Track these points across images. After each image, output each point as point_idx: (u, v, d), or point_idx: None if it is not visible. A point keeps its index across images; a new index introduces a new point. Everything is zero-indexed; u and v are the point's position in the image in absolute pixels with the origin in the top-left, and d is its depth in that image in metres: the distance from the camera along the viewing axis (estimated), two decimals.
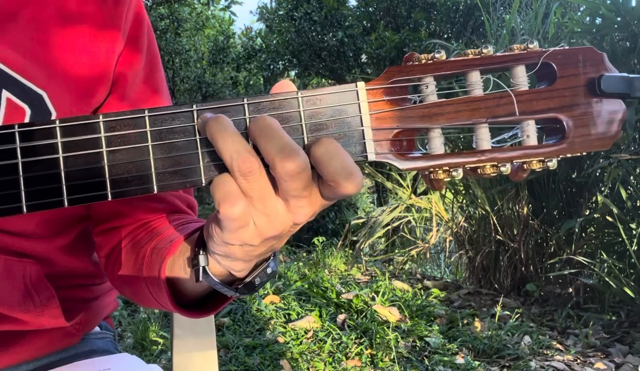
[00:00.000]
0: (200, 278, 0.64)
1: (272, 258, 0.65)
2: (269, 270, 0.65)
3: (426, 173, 0.54)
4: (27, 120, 0.77)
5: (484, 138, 0.53)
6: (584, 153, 0.52)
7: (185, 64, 9.05)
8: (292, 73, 10.28)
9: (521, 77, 0.54)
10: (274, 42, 9.10)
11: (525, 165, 0.53)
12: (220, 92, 9.23)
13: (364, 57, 8.23)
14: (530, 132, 0.53)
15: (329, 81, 9.21)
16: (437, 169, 0.53)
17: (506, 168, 0.53)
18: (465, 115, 0.53)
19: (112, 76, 0.85)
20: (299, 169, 0.51)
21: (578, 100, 0.53)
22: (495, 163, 0.53)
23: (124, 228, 0.88)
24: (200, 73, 9.19)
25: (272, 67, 9.31)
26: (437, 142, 0.54)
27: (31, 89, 0.77)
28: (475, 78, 0.54)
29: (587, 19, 4.09)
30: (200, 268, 0.64)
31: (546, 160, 0.53)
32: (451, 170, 0.53)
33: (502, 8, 5.83)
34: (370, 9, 8.20)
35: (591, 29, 3.80)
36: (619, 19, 3.39)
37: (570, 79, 0.53)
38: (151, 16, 8.23)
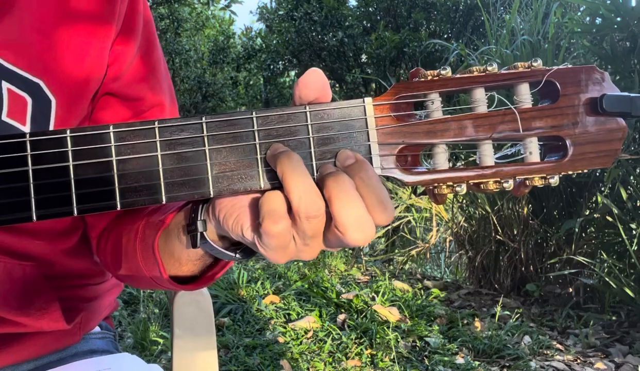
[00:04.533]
0: (198, 244, 0.63)
1: None
2: None
3: (430, 187, 0.55)
4: (29, 108, 0.78)
5: (487, 154, 0.54)
6: (585, 171, 0.53)
7: (185, 64, 9.05)
8: (292, 73, 10.27)
9: (525, 94, 0.55)
10: (274, 42, 9.09)
11: (527, 181, 0.54)
12: (220, 92, 9.23)
13: (364, 57, 8.22)
14: (533, 148, 0.54)
15: (329, 81, 9.19)
16: (441, 184, 0.54)
17: (509, 184, 0.54)
18: (469, 131, 0.54)
19: (107, 67, 0.85)
20: (364, 222, 0.52)
21: (580, 118, 0.54)
22: (499, 179, 0.54)
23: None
24: (200, 73, 9.19)
25: (272, 67, 9.31)
26: (441, 158, 0.55)
27: (28, 78, 0.78)
28: (479, 95, 0.55)
29: (587, 19, 4.10)
30: (198, 234, 0.63)
31: (548, 176, 0.54)
32: (455, 185, 0.54)
33: (502, 8, 5.84)
34: (370, 9, 8.20)
35: (591, 29, 3.81)
36: (619, 19, 3.40)
37: (573, 97, 0.54)
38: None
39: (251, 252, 0.64)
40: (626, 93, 0.52)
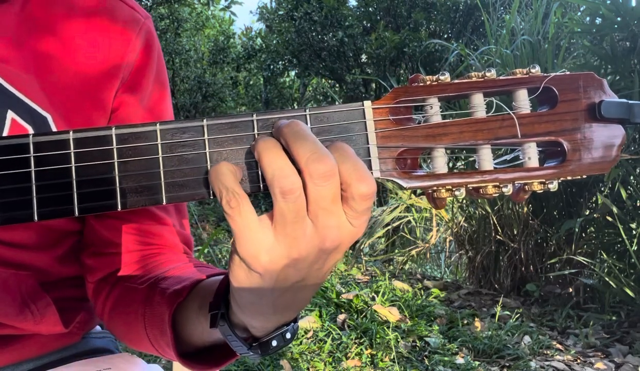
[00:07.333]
0: (217, 325, 0.62)
1: (292, 324, 0.63)
2: (287, 335, 0.62)
3: (429, 191, 0.55)
4: None
5: (486, 159, 0.55)
6: (584, 176, 0.53)
7: (185, 64, 9.06)
8: (292, 73, 10.27)
9: (523, 100, 0.55)
10: (274, 42, 9.10)
11: (526, 187, 0.54)
12: (220, 92, 9.24)
13: (364, 57, 8.23)
14: (531, 154, 0.54)
15: (329, 81, 9.22)
16: (440, 188, 0.55)
17: (508, 189, 0.54)
18: (468, 136, 0.54)
19: (111, 109, 0.86)
20: (331, 171, 0.50)
21: (578, 124, 0.54)
22: (497, 183, 0.54)
23: (116, 257, 0.87)
24: (200, 73, 9.20)
25: (272, 67, 9.31)
26: (440, 162, 0.55)
27: (36, 110, 0.78)
28: (478, 100, 0.55)
29: (587, 19, 4.11)
30: (219, 314, 0.62)
31: (547, 182, 0.54)
32: (454, 189, 0.54)
33: (502, 8, 5.84)
34: (370, 9, 8.21)
35: (591, 29, 3.82)
36: (619, 19, 3.40)
37: (571, 103, 0.54)
38: (151, 16, 8.22)
39: (266, 349, 0.62)
40: (625, 100, 0.52)
